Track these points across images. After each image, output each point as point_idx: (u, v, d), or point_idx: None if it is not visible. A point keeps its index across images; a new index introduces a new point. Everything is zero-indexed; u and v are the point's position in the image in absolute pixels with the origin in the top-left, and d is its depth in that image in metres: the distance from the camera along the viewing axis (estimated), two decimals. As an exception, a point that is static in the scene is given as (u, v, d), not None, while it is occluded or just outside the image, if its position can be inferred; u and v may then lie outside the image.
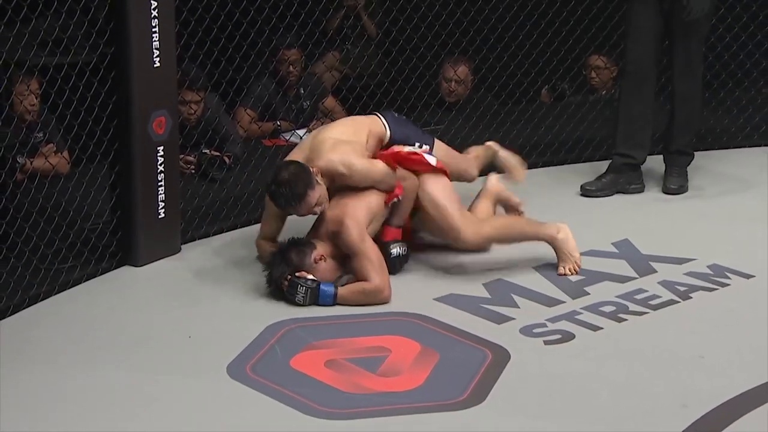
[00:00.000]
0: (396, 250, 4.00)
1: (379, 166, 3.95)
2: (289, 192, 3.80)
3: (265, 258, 3.99)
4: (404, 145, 4.14)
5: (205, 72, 4.83)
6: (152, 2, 3.91)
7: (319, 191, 3.84)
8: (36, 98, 4.52)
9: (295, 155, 4.05)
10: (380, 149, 4.12)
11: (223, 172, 4.94)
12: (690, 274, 4.07)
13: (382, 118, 4.20)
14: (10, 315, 3.70)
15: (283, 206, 3.89)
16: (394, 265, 3.98)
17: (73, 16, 3.90)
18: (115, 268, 4.10)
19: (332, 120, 5.44)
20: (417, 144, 4.16)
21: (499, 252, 4.22)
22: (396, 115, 4.29)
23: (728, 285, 3.99)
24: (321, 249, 3.86)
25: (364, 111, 5.27)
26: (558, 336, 3.62)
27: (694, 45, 4.72)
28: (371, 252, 3.84)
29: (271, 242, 4.10)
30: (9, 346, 3.51)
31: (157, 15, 3.92)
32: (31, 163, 4.46)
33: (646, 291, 3.94)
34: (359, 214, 3.87)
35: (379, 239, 3.97)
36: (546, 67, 5.47)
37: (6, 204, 3.93)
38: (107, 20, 3.90)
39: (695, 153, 4.99)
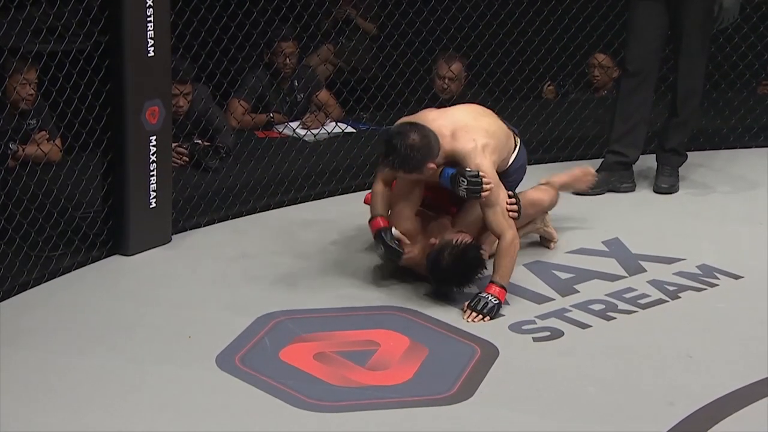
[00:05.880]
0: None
1: (503, 195, 3.78)
2: (411, 156, 3.63)
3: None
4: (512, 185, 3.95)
5: (198, 64, 4.78)
6: (148, -8, 3.91)
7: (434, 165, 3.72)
8: (33, 88, 4.50)
9: (440, 119, 3.80)
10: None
11: (217, 160, 4.91)
12: (679, 273, 4.08)
13: (516, 144, 4.01)
14: (-1, 302, 3.70)
15: (397, 167, 3.71)
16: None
17: (68, 3, 3.89)
18: (106, 256, 4.09)
19: (326, 114, 5.47)
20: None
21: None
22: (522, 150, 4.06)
23: (717, 285, 4.00)
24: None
25: (358, 104, 5.32)
26: (547, 333, 3.64)
27: (699, 45, 4.70)
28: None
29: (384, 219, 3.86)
30: (-2, 333, 3.51)
31: (152, 4, 3.92)
32: (23, 150, 4.44)
33: (636, 290, 3.95)
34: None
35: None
36: (540, 65, 5.47)
37: (-3, 190, 3.93)
38: (102, 8, 3.89)
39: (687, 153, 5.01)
